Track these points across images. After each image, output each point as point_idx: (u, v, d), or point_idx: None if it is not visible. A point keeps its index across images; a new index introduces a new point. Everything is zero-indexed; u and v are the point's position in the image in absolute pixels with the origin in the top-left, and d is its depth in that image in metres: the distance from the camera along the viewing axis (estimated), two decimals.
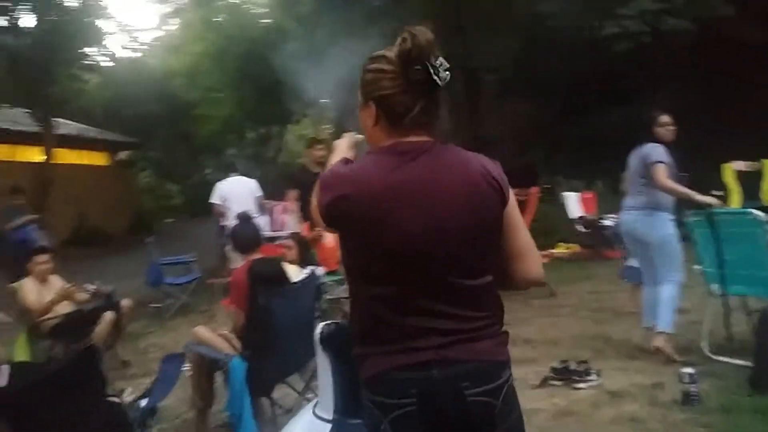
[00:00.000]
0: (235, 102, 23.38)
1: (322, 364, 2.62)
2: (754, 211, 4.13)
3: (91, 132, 19.05)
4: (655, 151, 4.54)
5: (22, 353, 5.05)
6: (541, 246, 10.00)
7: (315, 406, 2.74)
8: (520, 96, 17.43)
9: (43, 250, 5.95)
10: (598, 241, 8.97)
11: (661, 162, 4.46)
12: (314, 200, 1.69)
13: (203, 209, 8.09)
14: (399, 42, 1.59)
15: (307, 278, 4.34)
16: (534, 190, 7.62)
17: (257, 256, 4.14)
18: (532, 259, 1.69)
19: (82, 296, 5.88)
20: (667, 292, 4.45)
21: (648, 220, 4.52)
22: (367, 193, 1.57)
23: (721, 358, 4.20)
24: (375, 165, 1.62)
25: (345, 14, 12.38)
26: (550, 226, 10.72)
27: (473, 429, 1.60)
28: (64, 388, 2.95)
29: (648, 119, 4.72)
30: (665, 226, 4.50)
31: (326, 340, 2.54)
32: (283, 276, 4.12)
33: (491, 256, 1.64)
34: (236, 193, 7.64)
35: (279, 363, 3.85)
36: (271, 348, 3.76)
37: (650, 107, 5.08)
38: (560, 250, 9.75)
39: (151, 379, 5.15)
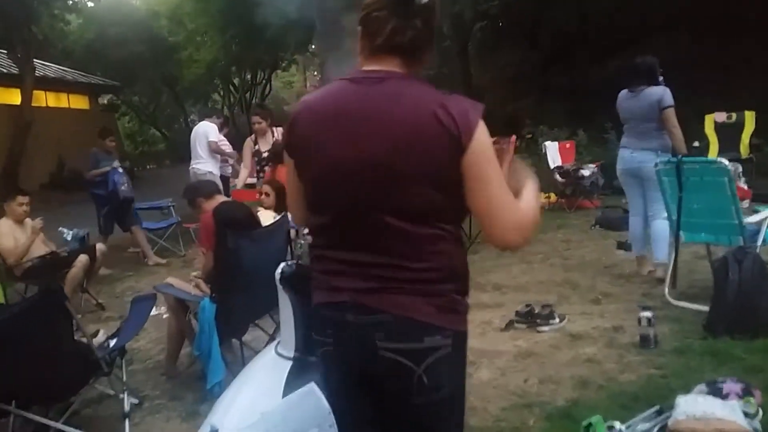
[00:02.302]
0: (221, 46, 22.94)
1: (283, 303, 2.66)
2: (720, 159, 4.18)
3: (71, 74, 18.66)
4: (668, 94, 4.76)
5: None
6: None
7: (277, 344, 2.80)
8: (509, 45, 17.26)
9: (22, 192, 5.92)
10: (575, 191, 9.01)
11: (673, 106, 4.74)
12: None
13: (187, 155, 8.06)
14: None
15: (277, 222, 4.37)
16: (512, 139, 7.58)
17: (222, 199, 4.17)
18: (498, 221, 1.46)
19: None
20: (664, 227, 4.74)
21: (655, 161, 4.64)
22: (308, 118, 1.56)
23: (681, 303, 4.30)
24: (328, 92, 1.59)
25: None
26: None
27: (388, 388, 1.53)
28: (27, 328, 2.99)
29: (651, 63, 4.91)
30: None
31: (286, 279, 2.58)
32: (249, 219, 4.12)
33: (440, 204, 1.47)
34: (192, 139, 7.88)
35: (248, 305, 3.89)
36: (240, 290, 3.80)
37: (641, 56, 5.15)
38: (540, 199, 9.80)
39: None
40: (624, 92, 5.06)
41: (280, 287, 2.57)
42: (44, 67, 17.20)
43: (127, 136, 24.79)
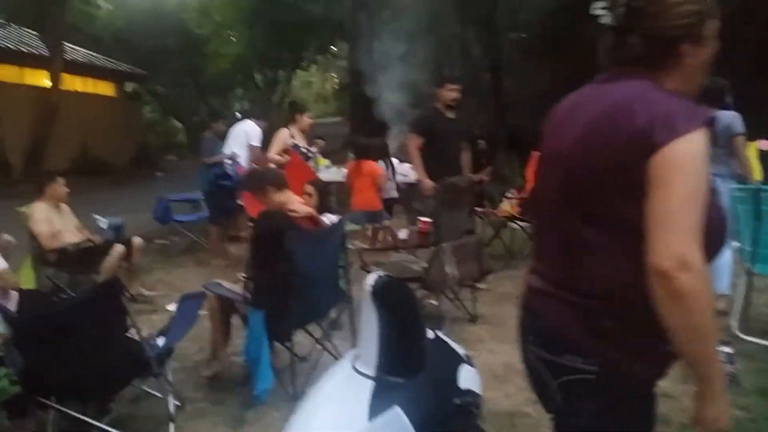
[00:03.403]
0: (246, 41, 22.86)
1: (368, 317, 2.45)
2: None
3: (99, 60, 18.51)
4: (737, 121, 4.59)
5: (27, 280, 4.92)
6: None
7: (355, 360, 2.58)
8: (542, 58, 16.95)
9: (51, 175, 5.77)
10: None
11: (742, 133, 4.59)
12: None
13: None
14: None
15: (334, 226, 4.19)
16: (534, 154, 7.40)
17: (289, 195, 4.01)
18: (656, 237, 1.23)
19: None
20: (727, 255, 4.45)
21: (725, 187, 4.41)
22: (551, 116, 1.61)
23: (752, 339, 4.07)
24: (579, 90, 1.60)
25: None
26: None
27: (536, 390, 1.57)
28: (84, 320, 2.83)
29: (721, 86, 4.64)
30: None
31: (378, 293, 2.37)
32: (289, 227, 3.87)
33: (619, 209, 1.33)
34: (231, 133, 7.63)
35: (300, 310, 3.71)
36: (294, 294, 3.62)
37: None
38: None
39: (158, 315, 5.07)
40: None
41: (368, 301, 2.36)
42: (74, 51, 17.07)
43: (150, 126, 24.68)
